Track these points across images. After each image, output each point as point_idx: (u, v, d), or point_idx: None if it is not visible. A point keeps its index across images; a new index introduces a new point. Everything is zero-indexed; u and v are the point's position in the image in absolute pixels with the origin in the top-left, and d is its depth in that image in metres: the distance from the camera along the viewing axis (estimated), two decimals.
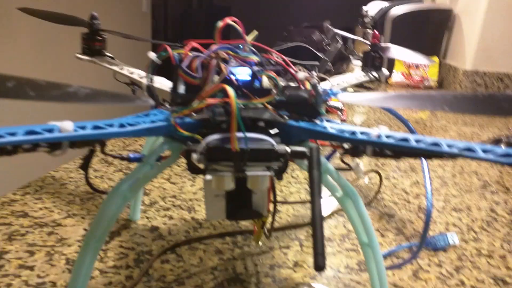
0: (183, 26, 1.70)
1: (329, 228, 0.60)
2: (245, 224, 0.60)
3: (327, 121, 0.38)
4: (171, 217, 0.61)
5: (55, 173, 0.76)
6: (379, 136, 0.34)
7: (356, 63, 1.79)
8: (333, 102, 0.47)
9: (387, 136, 0.33)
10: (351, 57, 1.39)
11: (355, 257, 0.53)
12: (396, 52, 0.56)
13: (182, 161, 0.85)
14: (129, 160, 0.41)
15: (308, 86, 0.41)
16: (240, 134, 0.33)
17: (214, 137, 0.34)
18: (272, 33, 1.70)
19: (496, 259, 0.54)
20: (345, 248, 0.55)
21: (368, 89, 1.45)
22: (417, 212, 0.67)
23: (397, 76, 1.84)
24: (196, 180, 0.76)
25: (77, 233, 0.56)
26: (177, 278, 0.47)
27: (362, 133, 0.35)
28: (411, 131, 0.45)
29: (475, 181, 0.82)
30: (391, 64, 1.85)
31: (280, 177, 0.41)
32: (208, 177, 0.34)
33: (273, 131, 0.37)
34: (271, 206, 0.42)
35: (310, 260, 0.52)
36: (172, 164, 0.39)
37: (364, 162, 0.90)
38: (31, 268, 0.48)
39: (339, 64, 1.33)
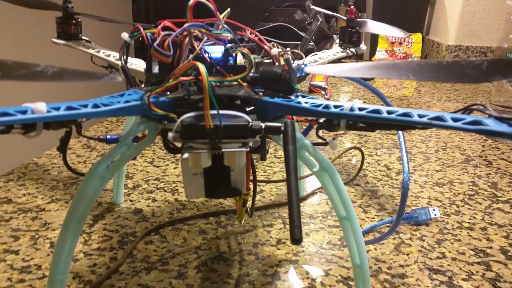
0: (165, 10, 1.67)
1: (312, 206, 0.61)
2: (228, 204, 0.60)
3: (302, 96, 0.38)
4: (154, 200, 0.61)
5: (38, 159, 0.76)
6: (351, 109, 0.34)
7: None
8: (316, 82, 0.47)
9: (360, 109, 0.34)
10: (334, 36, 1.39)
11: (338, 233, 0.54)
12: (373, 26, 0.55)
13: None
14: (106, 141, 0.41)
15: (281, 60, 0.41)
16: (214, 112, 0.33)
17: (188, 115, 0.34)
18: (254, 14, 1.69)
19: (477, 231, 0.55)
20: (327, 225, 0.56)
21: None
22: (400, 188, 0.68)
23: (380, 53, 1.84)
24: (179, 162, 0.75)
25: (61, 218, 0.56)
26: (161, 258, 0.47)
27: (335, 106, 0.35)
28: (387, 104, 0.45)
29: (458, 156, 0.83)
30: (374, 41, 1.85)
31: (263, 157, 0.41)
32: (185, 155, 0.34)
33: (249, 108, 0.37)
34: (251, 185, 0.43)
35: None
36: (150, 145, 0.38)
37: (347, 140, 0.90)
38: (16, 252, 0.48)
39: (323, 43, 1.33)
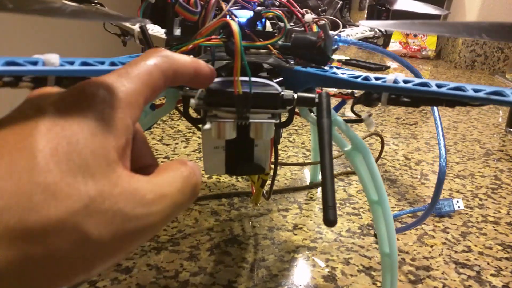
0: None
1: None
2: (242, 186, 0.57)
3: (337, 68, 0.35)
4: None
5: None
6: (395, 81, 0.31)
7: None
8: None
9: (405, 81, 0.30)
10: (347, 26, 1.35)
11: (357, 221, 0.51)
12: (405, 3, 0.52)
13: (175, 122, 0.82)
14: None
15: (314, 27, 0.37)
16: (243, 78, 0.29)
17: (214, 80, 0.31)
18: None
19: (503, 225, 0.52)
20: (346, 212, 0.53)
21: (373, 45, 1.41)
22: (419, 178, 0.65)
23: (394, 45, 1.80)
24: (189, 141, 0.72)
25: None
26: (171, 238, 0.45)
27: (376, 78, 0.32)
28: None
29: (477, 149, 0.79)
30: (388, 35, 1.81)
31: (277, 141, 0.38)
32: (207, 126, 0.31)
33: (277, 79, 0.34)
34: (271, 166, 0.40)
35: (310, 223, 0.50)
36: (168, 113, 0.35)
37: (362, 129, 0.87)
38: None
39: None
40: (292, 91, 0.31)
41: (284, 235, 0.47)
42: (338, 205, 0.55)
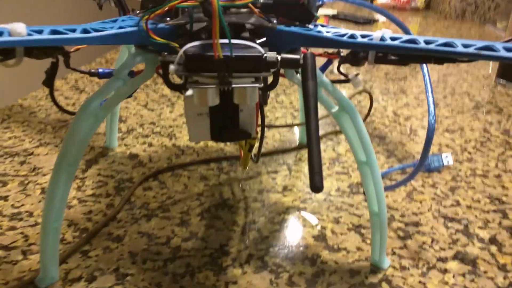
0: None
1: None
2: (230, 149, 0.57)
3: (322, 26, 0.34)
4: (151, 144, 0.58)
5: (23, 101, 0.71)
6: (382, 39, 0.30)
7: None
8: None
9: (392, 39, 0.29)
10: None
11: (346, 180, 0.51)
12: None
13: (159, 87, 0.80)
14: (99, 75, 0.36)
15: None
16: (223, 40, 0.28)
17: (193, 45, 0.29)
18: None
19: (491, 178, 0.53)
20: (335, 171, 0.53)
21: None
22: (409, 134, 0.65)
23: None
24: (175, 106, 0.71)
25: (51, 162, 0.52)
26: (161, 205, 0.44)
27: (363, 36, 0.30)
28: (408, 33, 0.41)
29: (467, 102, 0.79)
30: None
31: (265, 102, 0.37)
32: (189, 92, 0.30)
33: (260, 40, 0.33)
34: (258, 129, 0.39)
35: (299, 184, 0.50)
36: (145, 82, 0.34)
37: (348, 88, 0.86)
38: (5, 198, 0.45)
39: None
40: (275, 52, 0.30)
41: (274, 197, 0.47)
42: (327, 164, 0.55)
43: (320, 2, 0.43)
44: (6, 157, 0.53)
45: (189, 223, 0.42)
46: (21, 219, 0.41)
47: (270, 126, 0.64)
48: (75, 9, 0.97)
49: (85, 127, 0.31)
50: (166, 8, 0.29)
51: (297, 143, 0.60)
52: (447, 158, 0.54)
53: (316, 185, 0.26)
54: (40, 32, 0.27)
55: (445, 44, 0.27)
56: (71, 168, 0.32)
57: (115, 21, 0.32)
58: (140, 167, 0.52)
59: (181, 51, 0.29)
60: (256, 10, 0.34)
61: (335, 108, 0.34)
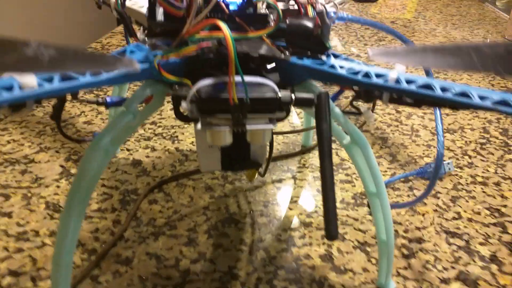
0: None
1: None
2: None
3: (334, 56, 0.33)
4: (153, 149, 0.57)
5: None
6: (398, 81, 0.29)
7: None
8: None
9: (408, 81, 0.29)
10: None
11: (350, 189, 0.51)
12: None
13: None
14: (107, 105, 0.36)
15: (310, 13, 0.35)
16: (237, 79, 0.27)
17: (206, 83, 0.29)
18: None
19: (490, 187, 0.53)
20: (339, 179, 0.53)
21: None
22: (410, 135, 0.65)
23: None
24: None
25: (53, 171, 0.51)
26: (167, 221, 0.45)
27: (378, 75, 0.30)
28: (404, 42, 0.40)
29: None
30: None
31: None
32: (200, 126, 0.29)
33: (270, 65, 0.32)
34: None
35: (304, 194, 0.50)
36: (156, 110, 0.34)
37: None
38: (9, 215, 0.44)
39: None
40: (289, 90, 0.30)
41: (280, 210, 0.47)
42: None
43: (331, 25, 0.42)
44: (7, 165, 0.52)
45: (196, 242, 0.42)
46: (27, 239, 0.41)
47: (276, 133, 0.64)
48: (74, 8, 0.93)
49: (96, 164, 0.31)
50: (181, 55, 0.28)
51: (300, 146, 0.60)
52: (449, 165, 0.55)
53: (331, 235, 0.27)
54: (50, 80, 0.26)
55: (462, 94, 0.27)
56: (82, 205, 0.31)
57: (122, 53, 0.31)
58: (144, 176, 0.52)
59: (194, 90, 0.28)
60: (268, 40, 0.33)
61: (346, 140, 0.34)
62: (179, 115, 0.32)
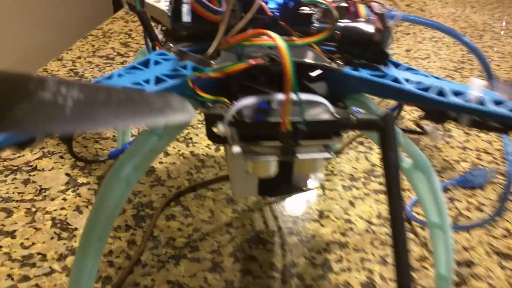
0: None
1: (349, 162, 0.53)
2: None
3: (395, 65, 0.28)
4: (167, 153, 0.52)
5: None
6: (482, 102, 0.24)
7: None
8: None
9: (497, 102, 0.24)
10: None
11: (386, 202, 0.46)
12: None
13: None
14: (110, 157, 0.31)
15: (363, 12, 0.29)
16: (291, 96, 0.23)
17: (248, 102, 0.24)
18: None
19: None
20: (372, 189, 0.48)
21: None
22: (443, 135, 0.60)
23: None
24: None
25: (58, 181, 0.46)
26: (188, 241, 0.40)
27: (456, 93, 0.25)
28: (488, 72, 0.35)
29: None
30: None
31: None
32: (237, 149, 0.25)
33: (315, 73, 0.27)
34: None
35: (335, 208, 0.45)
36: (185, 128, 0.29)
37: None
38: (12, 234, 0.40)
39: None
40: (346, 111, 0.25)
41: (311, 227, 0.43)
42: (362, 179, 0.50)
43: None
44: (7, 173, 0.47)
45: (222, 267, 0.38)
46: (33, 265, 0.37)
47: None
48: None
49: (116, 196, 0.26)
50: (227, 72, 0.23)
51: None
52: (492, 173, 0.50)
53: None
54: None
55: None
56: (100, 243, 0.27)
57: (146, 63, 0.26)
58: (158, 185, 0.47)
59: (233, 110, 0.23)
60: (317, 47, 0.28)
61: (406, 163, 0.29)
62: (212, 136, 0.27)
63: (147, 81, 0.24)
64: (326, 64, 0.27)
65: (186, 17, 0.29)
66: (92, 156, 0.50)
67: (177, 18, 0.28)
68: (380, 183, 0.49)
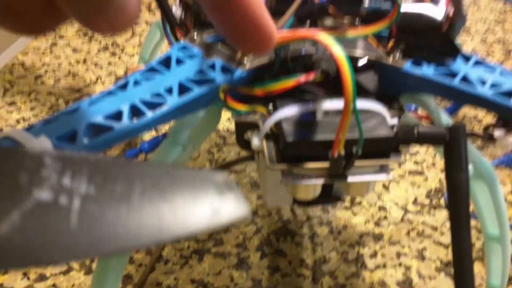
0: None
1: None
2: None
3: (465, 59, 0.23)
4: None
5: (23, 57, 0.59)
6: None
7: None
8: None
9: None
10: None
11: (423, 184, 0.43)
12: None
13: None
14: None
15: None
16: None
17: (289, 113, 0.20)
18: None
19: None
20: (407, 171, 0.45)
21: None
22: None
23: None
24: None
25: None
26: (211, 233, 0.38)
27: None
28: None
29: None
30: None
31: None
32: (275, 169, 0.21)
33: (362, 61, 0.23)
34: None
35: (369, 196, 0.42)
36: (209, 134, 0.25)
37: None
38: None
39: None
40: (409, 124, 0.21)
41: (342, 216, 0.40)
42: None
43: None
44: None
45: (248, 263, 0.35)
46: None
47: None
48: None
49: None
50: (262, 92, 0.19)
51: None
52: None
53: None
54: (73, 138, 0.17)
55: None
56: (120, 265, 0.24)
57: (167, 63, 0.21)
58: None
59: (271, 122, 0.20)
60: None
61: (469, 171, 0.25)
62: (243, 143, 0.23)
63: (169, 90, 0.20)
64: (380, 59, 0.22)
65: None
66: None
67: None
68: (415, 163, 0.45)
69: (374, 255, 0.37)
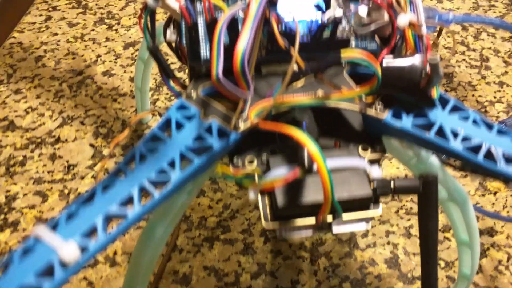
0: None
1: None
2: None
3: (442, 100, 0.25)
4: None
5: (19, 35, 0.60)
6: None
7: None
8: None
9: None
10: None
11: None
12: None
13: None
14: None
15: (411, 41, 0.25)
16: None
17: (282, 174, 0.23)
18: None
19: None
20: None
21: None
22: (480, 67, 0.56)
23: None
24: None
25: (84, 154, 0.47)
26: (219, 220, 0.42)
27: (508, 159, 0.23)
28: None
29: None
30: None
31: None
32: (269, 224, 0.25)
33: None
34: None
35: None
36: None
37: None
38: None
39: None
40: (386, 179, 0.24)
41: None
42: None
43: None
44: (33, 147, 0.47)
45: (253, 248, 0.40)
46: None
47: None
48: None
49: (150, 255, 0.27)
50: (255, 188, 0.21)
51: None
52: None
53: None
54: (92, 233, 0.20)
55: None
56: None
57: (166, 127, 0.24)
58: None
59: (264, 183, 0.23)
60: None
61: (444, 195, 0.28)
62: (241, 186, 0.26)
63: (172, 164, 0.22)
64: (364, 111, 0.24)
65: (205, 53, 0.25)
66: (113, 119, 0.50)
67: (195, 57, 0.25)
68: None
69: (365, 234, 0.41)
